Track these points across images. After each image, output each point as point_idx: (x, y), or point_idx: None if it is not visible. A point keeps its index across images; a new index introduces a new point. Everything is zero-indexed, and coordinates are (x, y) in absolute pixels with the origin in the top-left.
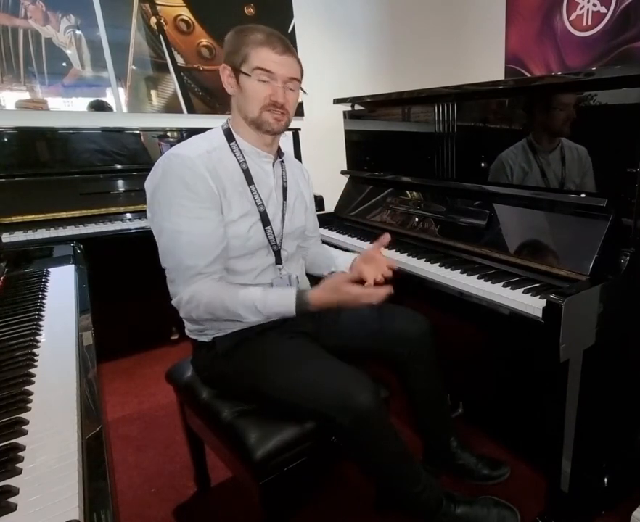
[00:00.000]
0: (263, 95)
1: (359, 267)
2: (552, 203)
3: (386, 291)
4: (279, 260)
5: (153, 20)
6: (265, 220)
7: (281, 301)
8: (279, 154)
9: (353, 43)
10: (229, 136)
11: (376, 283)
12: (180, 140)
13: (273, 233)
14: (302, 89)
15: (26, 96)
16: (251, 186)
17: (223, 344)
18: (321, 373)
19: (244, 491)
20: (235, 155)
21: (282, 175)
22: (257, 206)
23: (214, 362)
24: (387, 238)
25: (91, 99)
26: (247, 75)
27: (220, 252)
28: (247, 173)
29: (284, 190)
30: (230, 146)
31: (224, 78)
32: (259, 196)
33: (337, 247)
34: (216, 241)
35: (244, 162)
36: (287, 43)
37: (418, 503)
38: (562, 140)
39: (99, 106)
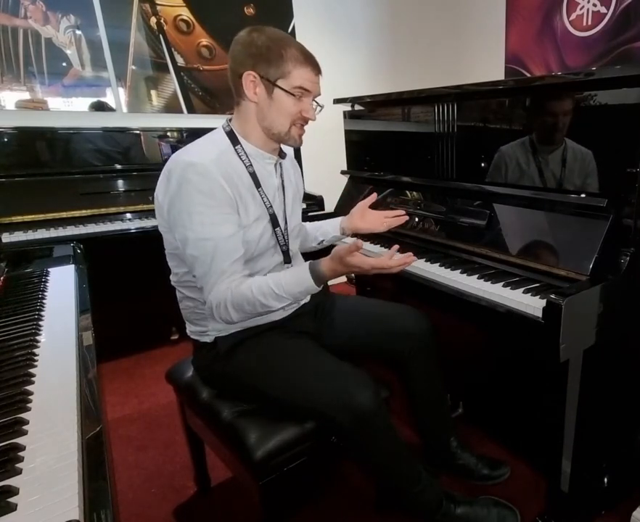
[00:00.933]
0: (296, 111)
1: (354, 225)
2: (552, 203)
3: (402, 261)
4: (287, 259)
5: (153, 20)
6: (274, 222)
7: (297, 279)
8: (281, 154)
9: (353, 43)
10: (233, 139)
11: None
12: (180, 140)
13: (282, 234)
14: (318, 104)
15: (26, 96)
16: (259, 189)
17: (224, 344)
18: (321, 372)
19: (244, 491)
20: (241, 159)
21: (281, 175)
22: (267, 208)
23: (215, 361)
24: (374, 196)
25: (92, 100)
26: (286, 91)
27: (241, 256)
28: (254, 176)
29: (284, 189)
30: (235, 150)
31: (246, 83)
32: (267, 198)
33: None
34: (237, 245)
35: (250, 165)
36: (319, 65)
37: (418, 503)
38: (563, 140)
39: (100, 107)
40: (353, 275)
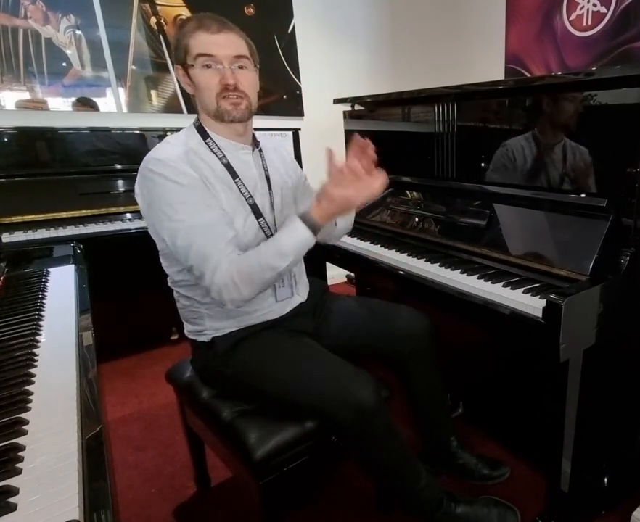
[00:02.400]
0: (214, 82)
1: (329, 178)
2: (552, 203)
3: (380, 179)
4: None
5: (153, 20)
6: (257, 212)
7: (292, 232)
8: (255, 143)
9: (353, 43)
10: (203, 134)
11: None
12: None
13: (267, 224)
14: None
15: (26, 96)
16: (236, 180)
17: (222, 344)
18: (322, 370)
19: (244, 491)
20: (213, 151)
21: (263, 165)
22: (246, 199)
23: (213, 362)
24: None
25: (74, 99)
26: (192, 66)
27: (233, 236)
28: (229, 167)
29: (268, 179)
30: (206, 143)
31: (180, 79)
32: (246, 189)
33: (337, 246)
34: (226, 223)
35: (224, 156)
36: (223, 21)
37: (418, 501)
38: (563, 140)
39: (85, 102)
40: (353, 275)
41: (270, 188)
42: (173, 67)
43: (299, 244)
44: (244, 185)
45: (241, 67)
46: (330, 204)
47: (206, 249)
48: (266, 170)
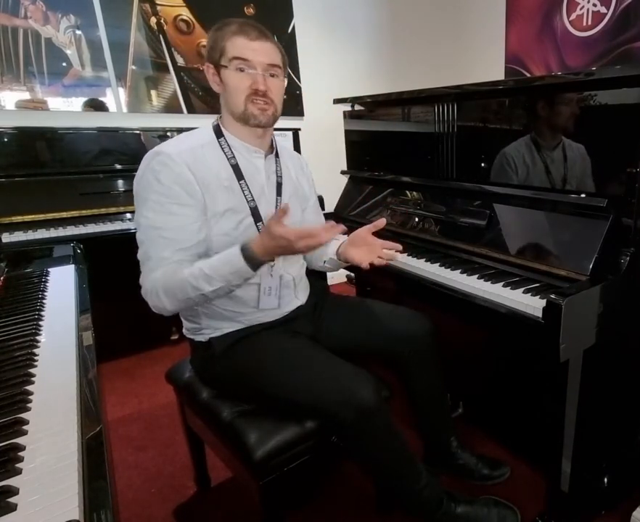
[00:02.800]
0: (244, 85)
1: (347, 253)
2: (552, 203)
3: (331, 232)
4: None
5: (153, 20)
6: (256, 216)
7: (227, 258)
8: (272, 148)
9: (353, 43)
10: (218, 133)
11: (372, 266)
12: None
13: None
14: (273, 74)
15: (26, 96)
16: (241, 182)
17: (220, 344)
18: (322, 369)
19: (244, 491)
20: (224, 151)
21: (276, 171)
22: (248, 201)
23: (212, 362)
24: (382, 222)
25: (85, 99)
26: (225, 67)
27: (191, 246)
28: (236, 168)
29: (279, 186)
30: (219, 142)
31: (210, 77)
32: (249, 191)
33: None
34: (188, 236)
35: (233, 157)
36: (262, 29)
37: (419, 501)
38: (563, 140)
39: (95, 106)
40: (353, 275)
41: (279, 195)
42: (173, 67)
43: (231, 273)
44: (248, 187)
45: (272, 75)
46: (270, 241)
47: (150, 251)
48: (279, 176)
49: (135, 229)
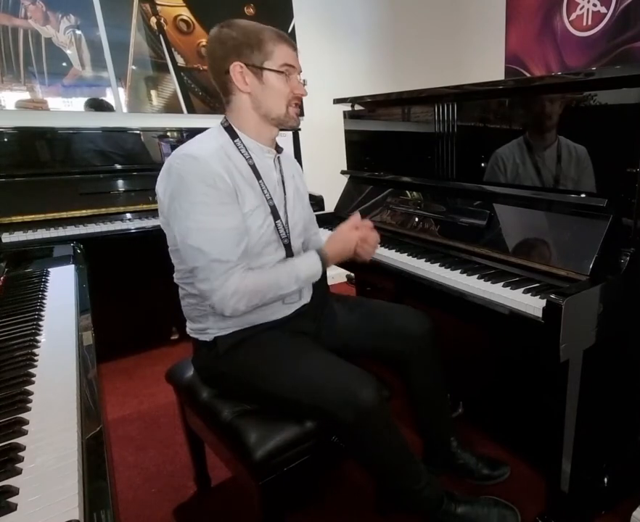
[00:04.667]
0: (288, 89)
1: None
2: (552, 203)
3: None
4: (290, 253)
5: (153, 20)
6: (275, 214)
7: (311, 265)
8: (277, 149)
9: (353, 43)
10: (232, 134)
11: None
12: (180, 140)
13: (283, 227)
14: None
15: (26, 96)
16: (260, 181)
17: (224, 343)
18: (323, 369)
19: (244, 491)
20: (240, 152)
21: (280, 170)
22: (267, 200)
23: (215, 361)
24: (357, 216)
25: (87, 98)
26: (276, 71)
27: (246, 245)
28: (254, 168)
29: (283, 184)
30: (234, 143)
31: (235, 75)
32: (267, 190)
33: None
34: (242, 235)
35: (250, 157)
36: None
37: (419, 501)
38: (562, 140)
39: (97, 105)
40: (353, 275)
41: (285, 193)
42: (173, 67)
43: (311, 275)
44: (266, 187)
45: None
46: (344, 246)
47: (220, 255)
48: (282, 176)
49: (136, 230)
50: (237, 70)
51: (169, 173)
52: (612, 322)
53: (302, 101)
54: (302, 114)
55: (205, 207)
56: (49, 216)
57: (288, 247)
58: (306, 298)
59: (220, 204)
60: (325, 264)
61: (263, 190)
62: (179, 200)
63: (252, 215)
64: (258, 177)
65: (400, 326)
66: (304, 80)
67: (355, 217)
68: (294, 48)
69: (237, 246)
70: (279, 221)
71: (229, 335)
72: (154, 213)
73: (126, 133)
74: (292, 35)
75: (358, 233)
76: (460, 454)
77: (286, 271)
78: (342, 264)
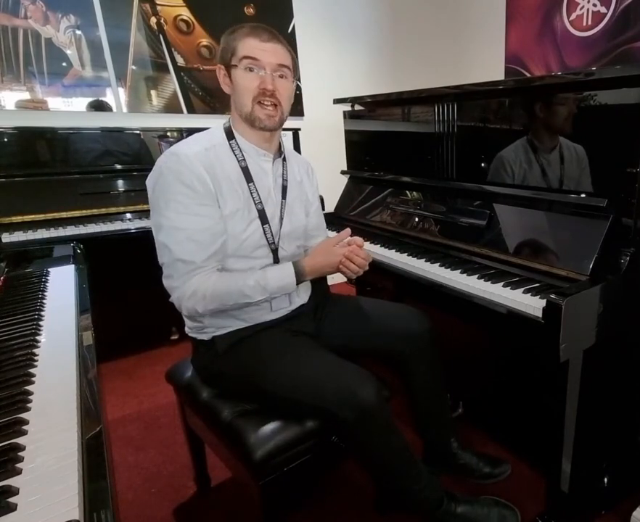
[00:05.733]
0: (253, 85)
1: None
2: (552, 203)
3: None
4: (276, 259)
5: (153, 20)
6: (263, 218)
7: (282, 277)
8: (279, 151)
9: (353, 43)
10: (229, 134)
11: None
12: (180, 140)
13: (271, 232)
14: (285, 74)
15: (26, 96)
16: (250, 184)
17: (222, 343)
18: (323, 369)
19: (244, 491)
20: (234, 153)
21: (282, 174)
22: (256, 204)
23: (214, 361)
24: (347, 232)
25: (90, 99)
26: (235, 66)
27: (219, 247)
28: (245, 171)
29: (284, 189)
30: (230, 144)
31: (220, 79)
32: (257, 194)
33: None
34: (214, 237)
35: (244, 160)
36: (274, 32)
37: (419, 500)
38: (562, 140)
39: (99, 106)
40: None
41: (284, 198)
42: (173, 67)
43: (283, 285)
44: (256, 190)
45: (281, 76)
46: (324, 258)
47: (179, 254)
48: (285, 180)
49: (136, 230)
50: (221, 73)
51: (155, 169)
52: (612, 322)
53: (300, 102)
54: (302, 114)
55: (179, 206)
56: (49, 216)
57: (275, 252)
58: (303, 298)
59: (196, 205)
60: (301, 276)
61: (252, 193)
62: (157, 194)
63: (233, 218)
64: (249, 180)
65: (399, 326)
66: (283, 76)
67: (345, 232)
68: (267, 40)
69: (205, 249)
70: (266, 226)
71: (227, 334)
72: None
73: (126, 133)
74: (292, 35)
75: (343, 249)
76: (461, 454)
77: (255, 279)
78: None
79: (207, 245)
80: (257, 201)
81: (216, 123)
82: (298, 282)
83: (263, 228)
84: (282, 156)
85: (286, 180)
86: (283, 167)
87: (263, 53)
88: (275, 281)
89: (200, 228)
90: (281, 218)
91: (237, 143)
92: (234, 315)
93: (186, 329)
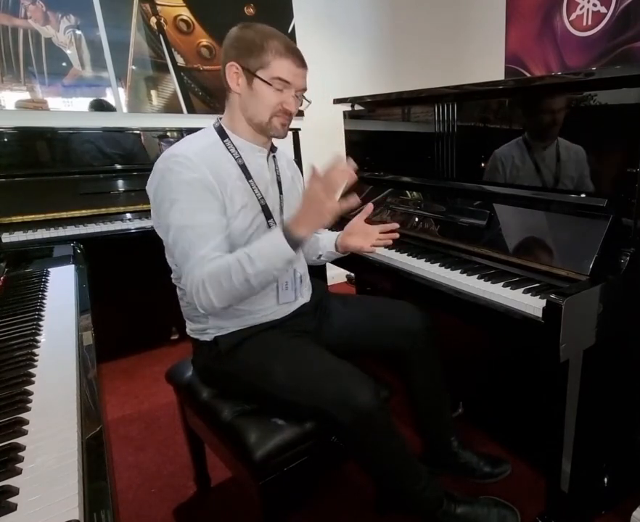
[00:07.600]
0: (276, 102)
1: (345, 242)
2: (552, 203)
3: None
4: None
5: (153, 20)
6: (267, 214)
7: (267, 237)
8: (272, 148)
9: (353, 43)
10: (222, 134)
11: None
12: (180, 140)
13: (276, 225)
14: (305, 98)
15: (26, 96)
16: (250, 181)
17: (224, 343)
18: (322, 371)
19: (244, 491)
20: (230, 152)
21: (276, 169)
22: (258, 199)
23: (215, 361)
24: (370, 207)
25: (91, 99)
26: (265, 82)
27: (221, 242)
28: (244, 168)
29: (279, 183)
30: (224, 143)
31: (229, 73)
32: (258, 190)
33: None
34: (218, 230)
35: (240, 157)
36: (303, 56)
37: (419, 501)
38: (562, 140)
39: (100, 106)
40: (353, 275)
41: (281, 192)
42: (173, 67)
43: (271, 252)
44: (257, 186)
45: (298, 97)
46: (305, 202)
47: (188, 250)
48: (278, 175)
49: (136, 230)
50: (233, 70)
51: (154, 173)
52: (612, 322)
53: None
54: (302, 114)
55: (181, 204)
56: (49, 216)
57: None
58: (305, 298)
59: (197, 201)
60: (292, 233)
61: (253, 189)
62: (161, 197)
63: (239, 216)
64: (248, 177)
65: (399, 323)
66: (305, 100)
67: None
68: (301, 66)
69: (210, 242)
70: (271, 220)
71: (229, 335)
72: None
73: (126, 133)
74: (292, 35)
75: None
76: (461, 454)
77: (244, 251)
78: (342, 264)
79: (209, 238)
80: (259, 197)
81: None
82: (291, 239)
83: (268, 223)
84: (275, 151)
85: (279, 175)
86: (275, 162)
87: (295, 78)
88: (261, 245)
89: (204, 223)
90: (281, 212)
91: (231, 142)
92: (236, 316)
93: (187, 330)
